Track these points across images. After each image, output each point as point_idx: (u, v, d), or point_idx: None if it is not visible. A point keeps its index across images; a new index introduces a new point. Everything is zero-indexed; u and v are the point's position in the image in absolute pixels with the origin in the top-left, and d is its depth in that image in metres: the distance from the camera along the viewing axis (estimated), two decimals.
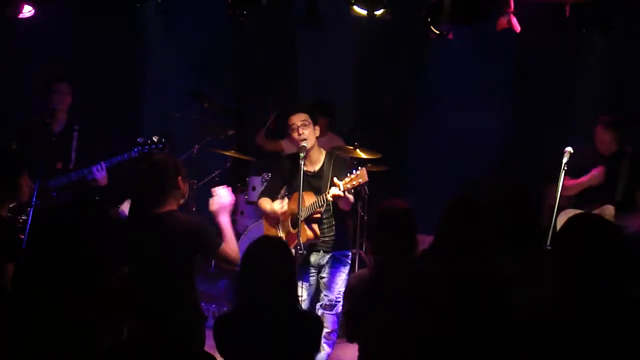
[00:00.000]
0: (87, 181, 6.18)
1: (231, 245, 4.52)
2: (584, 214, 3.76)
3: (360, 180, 5.35)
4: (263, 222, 6.15)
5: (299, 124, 5.60)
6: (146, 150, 6.08)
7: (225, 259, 4.52)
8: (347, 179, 5.37)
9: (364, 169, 5.39)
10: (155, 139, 6.11)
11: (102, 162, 6.13)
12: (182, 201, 4.62)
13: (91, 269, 3.18)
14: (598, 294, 3.00)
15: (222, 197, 4.61)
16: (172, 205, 4.48)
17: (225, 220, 4.59)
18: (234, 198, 4.69)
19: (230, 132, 8.50)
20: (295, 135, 5.61)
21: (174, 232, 4.35)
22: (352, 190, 5.44)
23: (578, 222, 3.24)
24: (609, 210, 5.91)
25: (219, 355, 3.56)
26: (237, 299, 3.68)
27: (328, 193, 5.42)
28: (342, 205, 5.52)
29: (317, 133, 5.73)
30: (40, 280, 3.14)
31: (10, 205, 5.02)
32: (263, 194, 6.04)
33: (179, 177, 4.50)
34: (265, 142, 8.24)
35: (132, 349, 2.95)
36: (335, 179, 5.42)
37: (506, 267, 3.64)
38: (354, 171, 5.38)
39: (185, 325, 4.16)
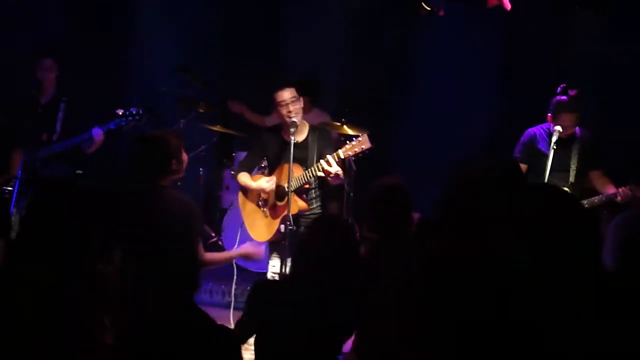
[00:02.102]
0: (76, 150, 6.13)
1: (212, 256, 4.66)
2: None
3: (363, 147, 5.31)
4: (239, 195, 6.05)
5: (289, 100, 5.54)
6: (123, 123, 6.04)
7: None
8: (347, 146, 5.32)
9: (365, 134, 5.33)
10: (133, 110, 6.05)
11: (98, 128, 6.06)
12: (177, 177, 4.59)
13: (91, 248, 3.10)
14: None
15: (257, 255, 4.74)
16: (165, 182, 4.45)
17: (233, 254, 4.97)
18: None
19: (216, 107, 8.47)
20: (285, 111, 5.55)
21: (165, 210, 4.31)
22: (354, 158, 5.38)
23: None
24: None
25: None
26: (291, 270, 3.63)
27: (320, 164, 5.38)
28: (332, 179, 5.48)
29: (302, 105, 5.68)
30: (35, 260, 3.06)
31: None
32: (241, 168, 5.97)
33: (178, 156, 4.46)
34: (249, 112, 8.20)
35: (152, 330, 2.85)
36: (339, 151, 5.37)
37: (502, 249, 3.61)
38: (355, 138, 5.33)
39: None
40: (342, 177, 5.55)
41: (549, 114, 5.93)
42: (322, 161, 5.39)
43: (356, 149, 5.33)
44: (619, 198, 5.66)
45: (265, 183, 5.71)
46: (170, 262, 3.12)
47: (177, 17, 8.72)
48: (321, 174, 5.39)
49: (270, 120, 7.70)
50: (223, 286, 7.03)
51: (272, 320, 3.47)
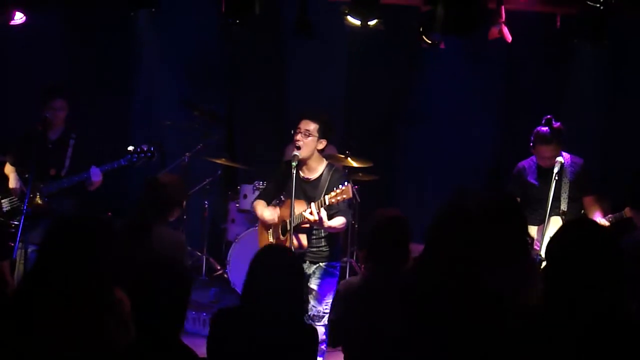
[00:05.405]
0: (83, 186, 6.17)
1: None
2: (578, 221, 3.63)
3: (344, 196, 5.25)
4: (259, 224, 6.08)
5: (303, 130, 5.56)
6: (135, 159, 6.11)
7: None
8: (333, 193, 5.31)
9: (349, 185, 5.27)
10: (144, 147, 6.13)
11: (96, 168, 6.12)
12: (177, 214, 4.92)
13: (100, 281, 3.20)
14: (590, 310, 2.88)
15: None
16: (167, 219, 4.83)
17: None
18: None
19: (220, 140, 8.55)
20: (295, 137, 5.59)
21: (158, 249, 4.51)
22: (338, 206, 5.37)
23: (571, 230, 3.16)
24: (556, 223, 5.91)
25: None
26: (241, 298, 3.66)
27: (305, 211, 5.36)
28: (313, 225, 5.45)
29: (322, 146, 5.65)
30: (48, 287, 3.15)
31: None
32: (259, 197, 5.99)
33: (182, 201, 4.75)
34: None
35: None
36: (325, 197, 5.32)
37: (495, 280, 3.62)
38: (340, 186, 5.33)
39: None
40: (339, 225, 5.47)
41: (530, 145, 6.02)
42: (305, 211, 5.36)
43: (338, 198, 5.29)
44: None
45: (268, 214, 5.74)
46: (156, 298, 3.20)
47: (181, 51, 8.81)
48: (304, 220, 5.38)
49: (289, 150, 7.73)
50: (204, 314, 6.93)
51: (233, 350, 3.51)
